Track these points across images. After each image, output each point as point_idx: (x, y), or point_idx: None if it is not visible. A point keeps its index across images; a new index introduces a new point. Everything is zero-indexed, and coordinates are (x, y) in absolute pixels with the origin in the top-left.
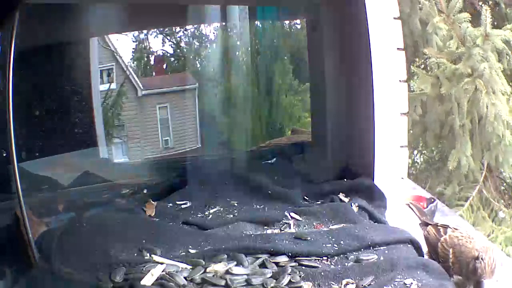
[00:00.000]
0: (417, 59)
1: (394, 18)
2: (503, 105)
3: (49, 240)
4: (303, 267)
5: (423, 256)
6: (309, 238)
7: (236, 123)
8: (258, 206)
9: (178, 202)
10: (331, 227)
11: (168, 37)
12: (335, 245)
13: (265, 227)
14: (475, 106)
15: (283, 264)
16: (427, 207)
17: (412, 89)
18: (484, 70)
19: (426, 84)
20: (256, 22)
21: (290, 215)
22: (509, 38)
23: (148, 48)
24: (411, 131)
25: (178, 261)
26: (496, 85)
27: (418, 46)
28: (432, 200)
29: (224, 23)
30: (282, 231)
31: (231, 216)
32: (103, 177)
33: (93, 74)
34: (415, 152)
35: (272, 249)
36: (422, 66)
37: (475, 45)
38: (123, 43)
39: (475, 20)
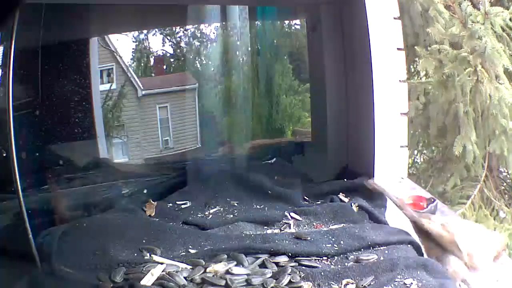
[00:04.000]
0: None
1: (394, 18)
2: (508, 90)
3: (49, 240)
4: (303, 267)
5: (423, 256)
6: (309, 238)
7: (236, 123)
8: (258, 206)
9: (178, 202)
10: (331, 227)
11: (168, 37)
12: (335, 245)
13: (265, 227)
14: (478, 92)
15: (283, 264)
16: (427, 207)
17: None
18: (486, 44)
19: (429, 65)
20: (256, 22)
21: (290, 215)
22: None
23: (148, 48)
24: (413, 122)
25: (178, 261)
26: (499, 62)
27: (419, 38)
28: (432, 200)
29: (224, 23)
30: (282, 231)
31: (231, 216)
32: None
33: (93, 74)
34: (415, 152)
35: (272, 249)
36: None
37: (477, 23)
38: (123, 43)
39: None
